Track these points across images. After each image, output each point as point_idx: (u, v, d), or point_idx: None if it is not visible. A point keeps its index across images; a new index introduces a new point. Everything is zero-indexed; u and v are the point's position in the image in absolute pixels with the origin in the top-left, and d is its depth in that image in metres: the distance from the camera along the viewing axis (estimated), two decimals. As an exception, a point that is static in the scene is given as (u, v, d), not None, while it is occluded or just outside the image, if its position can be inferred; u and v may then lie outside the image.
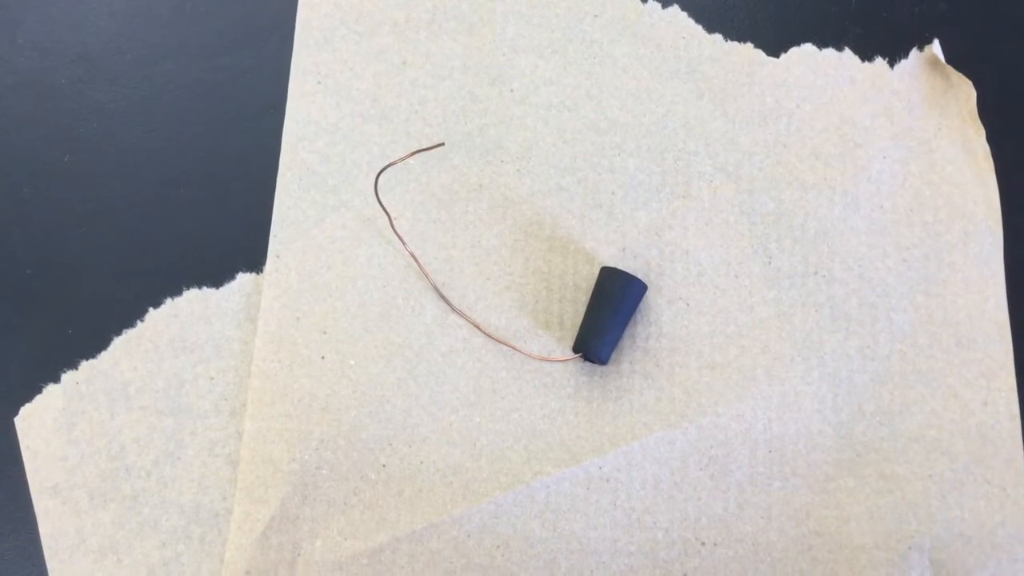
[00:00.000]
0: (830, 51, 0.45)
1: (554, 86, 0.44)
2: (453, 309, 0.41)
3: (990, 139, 0.43)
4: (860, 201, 0.42)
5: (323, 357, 0.41)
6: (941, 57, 0.44)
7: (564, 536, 0.39)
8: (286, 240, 0.42)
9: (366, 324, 0.41)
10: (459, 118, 0.44)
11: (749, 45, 0.45)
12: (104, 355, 0.41)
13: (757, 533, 0.39)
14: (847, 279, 0.42)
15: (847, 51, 0.45)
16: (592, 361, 0.40)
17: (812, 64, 0.44)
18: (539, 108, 0.44)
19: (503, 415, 0.40)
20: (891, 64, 0.45)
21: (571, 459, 0.40)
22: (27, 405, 0.40)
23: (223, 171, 0.44)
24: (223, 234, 0.43)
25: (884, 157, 0.43)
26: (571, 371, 0.41)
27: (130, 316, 0.41)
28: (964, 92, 0.44)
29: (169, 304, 0.42)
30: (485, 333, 0.41)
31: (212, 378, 0.41)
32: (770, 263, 0.42)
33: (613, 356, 0.41)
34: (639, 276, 0.41)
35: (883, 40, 0.45)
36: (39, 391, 0.41)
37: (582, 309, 0.41)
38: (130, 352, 0.41)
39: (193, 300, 0.42)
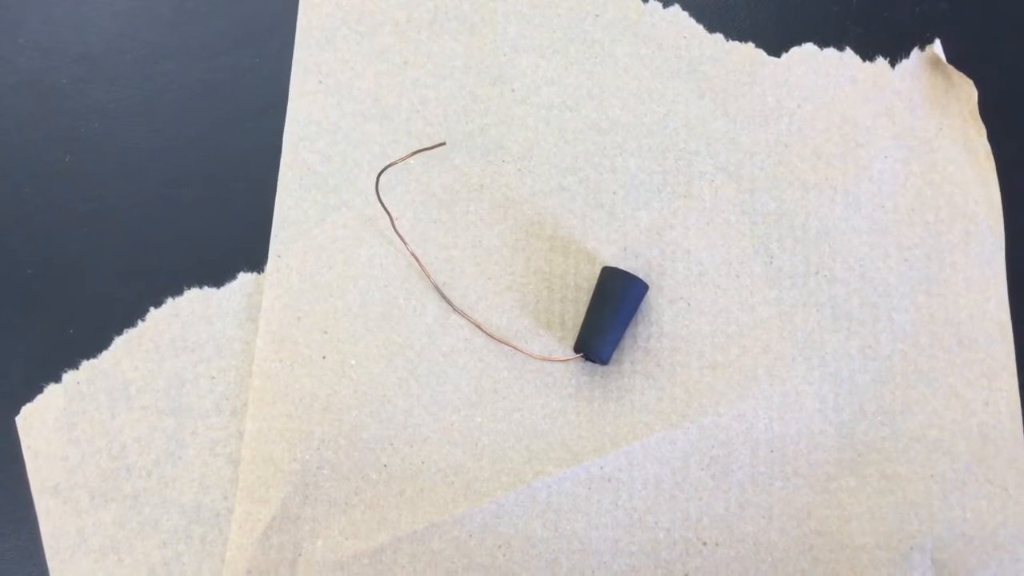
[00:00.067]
0: (831, 51, 0.45)
1: (555, 86, 0.44)
2: (454, 309, 0.41)
3: (991, 139, 0.43)
4: (861, 201, 0.42)
5: (324, 357, 0.41)
6: (942, 57, 0.44)
7: (566, 536, 0.39)
8: (287, 240, 0.42)
9: (367, 324, 0.41)
10: (460, 118, 0.44)
11: (750, 45, 0.45)
12: (105, 355, 0.41)
13: (758, 533, 0.39)
14: (848, 279, 0.42)
15: (848, 51, 0.45)
16: (593, 361, 0.40)
17: (813, 64, 0.44)
18: (540, 108, 0.44)
19: (504, 415, 0.40)
20: (892, 64, 0.45)
21: (572, 459, 0.39)
22: (28, 405, 0.40)
23: (224, 171, 0.44)
24: (224, 234, 0.43)
25: (885, 157, 0.43)
26: (572, 371, 0.41)
27: (131, 316, 0.41)
28: (965, 92, 0.44)
29: (170, 304, 0.42)
30: (486, 333, 0.41)
31: (213, 378, 0.41)
32: (771, 263, 0.42)
33: (614, 356, 0.41)
34: (640, 276, 0.41)
35: (884, 40, 0.45)
36: (40, 391, 0.41)
37: (583, 309, 0.41)
38: (131, 352, 0.41)
39: (194, 300, 0.42)
